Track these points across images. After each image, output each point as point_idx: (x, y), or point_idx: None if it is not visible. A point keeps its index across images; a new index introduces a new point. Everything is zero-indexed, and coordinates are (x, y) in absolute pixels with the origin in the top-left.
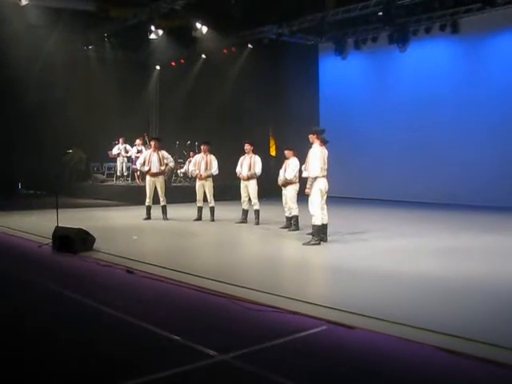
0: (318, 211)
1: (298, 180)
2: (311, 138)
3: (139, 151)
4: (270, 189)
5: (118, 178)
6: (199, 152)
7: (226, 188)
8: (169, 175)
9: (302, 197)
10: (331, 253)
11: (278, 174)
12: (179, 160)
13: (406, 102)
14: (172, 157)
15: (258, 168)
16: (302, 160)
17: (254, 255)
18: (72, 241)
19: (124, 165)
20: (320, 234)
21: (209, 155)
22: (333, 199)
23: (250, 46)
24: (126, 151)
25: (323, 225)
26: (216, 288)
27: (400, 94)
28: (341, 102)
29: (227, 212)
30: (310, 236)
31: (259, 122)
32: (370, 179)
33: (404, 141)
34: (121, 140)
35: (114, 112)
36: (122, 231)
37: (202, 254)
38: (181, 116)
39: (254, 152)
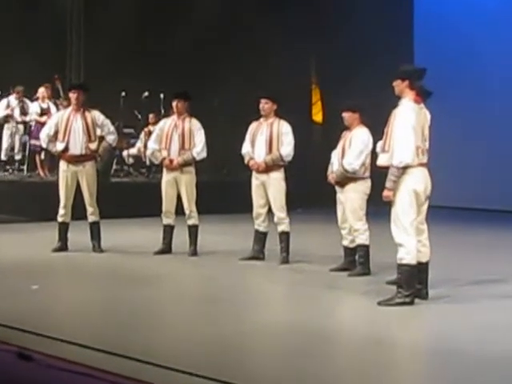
0: (409, 237)
1: (368, 173)
2: (398, 86)
3: (44, 111)
4: (311, 190)
5: (2, 165)
6: (168, 114)
7: (222, 188)
8: (106, 160)
9: (378, 207)
10: (438, 324)
11: (327, 160)
12: (127, 130)
13: None
14: (113, 124)
15: (286, 147)
16: (379, 132)
17: (278, 326)
18: None
19: (17, 139)
20: (414, 283)
21: (187, 120)
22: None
23: None
24: (24, 111)
25: (420, 265)
26: None
27: None
28: (456, 24)
29: (223, 237)
30: (394, 287)
31: (290, 56)
32: (492, 176)
33: None
34: (16, 91)
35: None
36: (11, 275)
37: (172, 323)
38: (129, 42)
39: (279, 115)
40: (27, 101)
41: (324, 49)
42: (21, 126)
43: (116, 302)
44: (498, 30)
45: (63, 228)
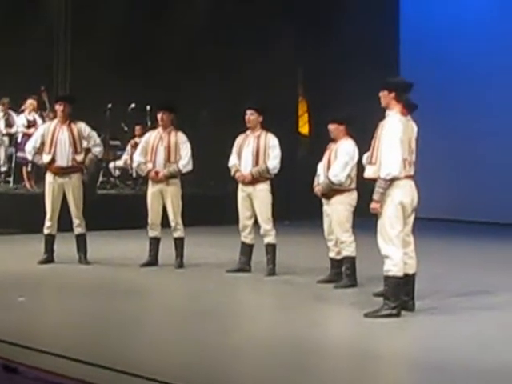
0: (396, 249)
1: (354, 184)
2: (384, 97)
3: (31, 124)
4: (297, 202)
5: None
6: (154, 126)
7: (208, 200)
8: (92, 172)
9: (365, 219)
10: (425, 335)
11: (313, 172)
12: (113, 142)
13: None
14: (99, 136)
15: (272, 160)
16: (365, 143)
17: (264, 338)
18: None
19: (2, 151)
20: (400, 295)
21: (174, 133)
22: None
23: None
24: (9, 124)
25: (407, 277)
26: None
27: None
28: (442, 36)
29: (209, 249)
30: (381, 299)
31: (276, 68)
32: (479, 188)
33: None
34: (1, 103)
35: None
36: None
37: (158, 335)
38: (115, 54)
39: (265, 127)
40: (12, 113)
41: (311, 61)
42: (6, 138)
43: (102, 314)
44: (484, 41)
45: (49, 240)
